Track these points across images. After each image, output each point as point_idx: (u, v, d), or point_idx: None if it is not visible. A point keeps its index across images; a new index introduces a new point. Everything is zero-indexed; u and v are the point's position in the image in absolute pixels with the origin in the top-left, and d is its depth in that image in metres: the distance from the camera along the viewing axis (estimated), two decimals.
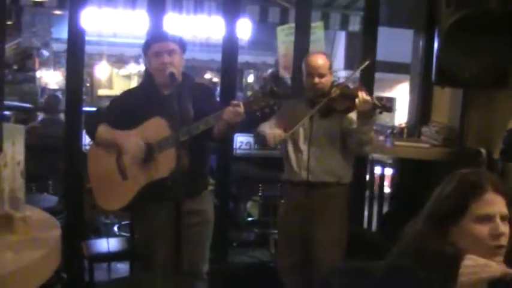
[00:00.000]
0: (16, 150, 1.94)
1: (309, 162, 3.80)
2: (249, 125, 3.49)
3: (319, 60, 3.81)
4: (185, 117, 3.26)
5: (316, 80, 3.78)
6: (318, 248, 3.85)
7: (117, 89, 14.32)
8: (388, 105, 3.57)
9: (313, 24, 5.84)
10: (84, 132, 4.60)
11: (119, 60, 14.16)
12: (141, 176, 3.32)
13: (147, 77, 3.64)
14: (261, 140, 3.85)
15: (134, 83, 14.46)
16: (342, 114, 3.76)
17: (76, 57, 4.74)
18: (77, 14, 4.66)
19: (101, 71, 14.09)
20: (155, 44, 3.43)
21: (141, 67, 14.13)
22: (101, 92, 13.94)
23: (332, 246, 3.84)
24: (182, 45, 3.49)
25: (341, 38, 12.21)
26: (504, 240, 1.88)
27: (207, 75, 14.96)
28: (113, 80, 14.64)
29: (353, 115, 3.71)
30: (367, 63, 3.91)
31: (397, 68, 9.68)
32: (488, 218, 1.85)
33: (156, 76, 3.45)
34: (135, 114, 3.40)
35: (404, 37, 6.48)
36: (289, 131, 3.70)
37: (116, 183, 3.38)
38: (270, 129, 3.79)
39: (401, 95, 12.22)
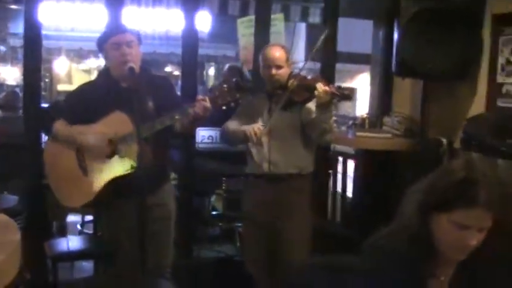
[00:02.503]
0: None
1: (270, 154, 3.82)
2: (212, 119, 3.47)
3: (276, 52, 3.82)
4: (146, 112, 3.22)
5: (274, 71, 3.78)
6: (283, 240, 3.87)
7: (77, 84, 14.05)
8: (346, 94, 3.59)
9: (273, 16, 5.82)
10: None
11: (78, 55, 13.95)
12: (103, 172, 3.27)
13: (104, 70, 3.59)
14: (239, 139, 3.84)
15: (93, 77, 14.25)
16: (300, 105, 3.76)
17: (33, 52, 4.65)
18: (34, 8, 4.57)
19: (60, 66, 13.86)
20: (113, 36, 3.38)
21: (101, 61, 13.94)
22: (61, 87, 13.70)
23: (297, 238, 3.86)
24: (139, 37, 3.45)
25: (301, 29, 12.21)
26: (466, 251, 1.89)
27: (168, 69, 14.86)
28: (72, 75, 14.41)
29: (311, 105, 3.73)
30: (324, 34, 3.86)
31: (358, 58, 9.73)
32: (465, 227, 1.85)
33: (114, 69, 3.41)
34: (94, 109, 3.34)
35: (364, 27, 6.51)
36: (265, 123, 3.72)
37: (77, 180, 3.33)
38: (245, 125, 3.80)
39: (362, 85, 12.30)
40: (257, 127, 3.72)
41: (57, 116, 3.39)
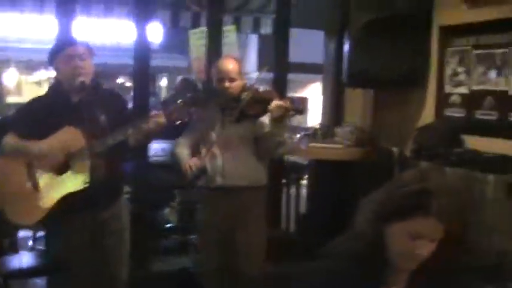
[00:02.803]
0: None
1: (223, 167, 3.82)
2: (166, 132, 3.46)
3: (229, 65, 3.82)
4: (98, 126, 3.18)
5: (227, 84, 3.78)
6: (237, 253, 3.87)
7: (27, 96, 13.79)
8: (300, 108, 3.63)
9: (225, 28, 5.84)
10: None
11: (28, 67, 13.74)
12: (55, 188, 3.21)
13: (55, 83, 3.51)
14: (178, 165, 3.91)
15: (45, 89, 14.01)
16: (254, 119, 3.78)
17: None
18: None
19: (9, 78, 13.63)
20: (65, 48, 3.33)
21: (52, 73, 13.74)
22: (10, 99, 13.47)
23: (251, 249, 3.87)
24: (91, 50, 3.40)
25: (253, 40, 12.28)
26: (417, 261, 1.92)
27: (120, 80, 14.73)
28: (22, 87, 14.17)
29: (264, 118, 3.74)
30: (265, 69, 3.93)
31: (309, 68, 9.81)
32: (417, 237, 1.88)
33: (65, 82, 3.33)
34: (45, 123, 3.26)
35: (315, 38, 6.57)
36: (204, 154, 3.80)
37: (28, 197, 3.24)
38: (186, 157, 3.90)
39: (313, 95, 12.41)
40: (193, 162, 3.82)
41: (7, 130, 3.31)
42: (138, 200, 4.97)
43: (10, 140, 3.28)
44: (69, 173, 3.20)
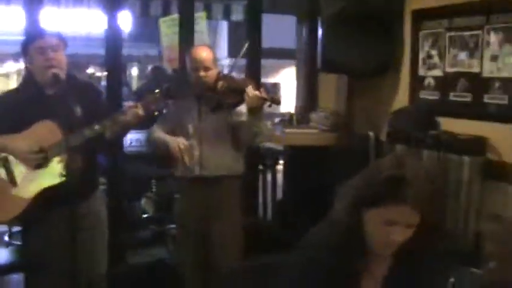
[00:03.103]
0: None
1: (200, 157, 3.79)
2: (142, 124, 3.43)
3: (203, 53, 3.78)
4: (73, 119, 3.12)
5: (202, 73, 3.73)
6: (215, 243, 3.86)
7: None
8: (276, 98, 3.61)
9: (195, 15, 5.79)
10: None
11: None
12: (32, 183, 3.16)
13: (28, 76, 3.42)
14: (163, 149, 3.80)
15: (13, 81, 13.89)
16: (230, 108, 3.75)
17: None
18: None
19: None
20: (37, 39, 3.25)
21: (21, 65, 13.55)
22: None
23: (229, 240, 3.86)
24: (64, 41, 3.34)
25: (223, 27, 12.24)
26: (393, 247, 1.93)
27: (90, 70, 14.59)
28: None
29: (241, 107, 3.71)
30: (246, 45, 3.88)
31: (281, 54, 9.81)
32: (393, 223, 1.89)
33: (38, 75, 3.27)
34: (19, 117, 3.20)
35: (286, 22, 6.56)
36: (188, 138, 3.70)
37: (5, 192, 3.19)
38: (170, 138, 3.77)
39: (285, 80, 12.42)
40: (181, 142, 3.71)
41: None
42: (115, 192, 4.93)
43: None
44: (45, 167, 3.15)
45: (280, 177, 6.10)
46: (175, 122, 3.87)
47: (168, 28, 6.95)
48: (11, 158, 3.19)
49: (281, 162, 6.22)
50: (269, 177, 6.18)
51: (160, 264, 5.21)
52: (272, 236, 5.15)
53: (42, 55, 3.21)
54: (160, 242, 5.89)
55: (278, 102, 3.63)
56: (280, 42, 8.80)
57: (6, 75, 14.15)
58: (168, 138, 3.79)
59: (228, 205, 3.89)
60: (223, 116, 3.78)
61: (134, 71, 15.10)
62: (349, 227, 1.96)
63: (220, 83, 3.70)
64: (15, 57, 13.24)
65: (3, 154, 3.19)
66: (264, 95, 3.54)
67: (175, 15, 6.86)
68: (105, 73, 12.65)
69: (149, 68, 6.79)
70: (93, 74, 14.35)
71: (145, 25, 11.57)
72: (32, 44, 3.27)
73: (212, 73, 3.77)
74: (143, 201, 6.44)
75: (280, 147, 5.85)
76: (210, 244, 3.87)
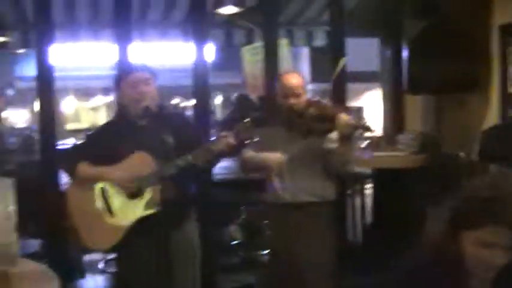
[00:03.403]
0: (6, 204, 1.88)
1: (291, 183, 3.74)
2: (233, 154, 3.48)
3: (294, 80, 3.74)
4: (166, 149, 3.21)
5: (292, 100, 3.70)
6: (304, 270, 3.76)
7: (85, 122, 14.21)
8: (368, 126, 3.52)
9: (278, 42, 5.84)
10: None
11: (85, 93, 14.03)
12: (128, 213, 3.26)
13: (121, 109, 3.53)
14: (257, 167, 3.81)
15: (102, 114, 14.33)
16: (321, 135, 3.69)
17: (47, 94, 4.69)
18: (45, 52, 4.63)
19: (67, 105, 13.95)
20: (130, 74, 3.38)
21: (109, 99, 14.01)
22: (70, 126, 13.76)
23: (319, 268, 3.76)
24: (154, 74, 3.45)
25: (304, 53, 12.27)
26: (494, 270, 1.88)
27: (175, 100, 14.89)
28: (79, 113, 14.48)
29: (333, 134, 3.67)
30: (342, 63, 3.81)
31: (363, 77, 9.76)
32: (491, 246, 1.84)
33: (130, 107, 3.37)
34: (113, 148, 3.32)
35: (366, 45, 6.53)
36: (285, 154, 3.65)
37: (102, 222, 3.30)
38: (263, 153, 3.74)
39: (368, 103, 12.30)
40: (276, 157, 3.67)
41: (80, 157, 3.38)
42: (204, 219, 4.99)
43: (84, 167, 3.34)
44: (141, 196, 3.25)
45: (368, 200, 6.03)
46: (264, 149, 3.85)
47: (251, 56, 7.02)
48: (108, 188, 3.30)
49: (369, 185, 6.16)
50: (357, 201, 6.11)
51: None
52: (362, 259, 5.08)
53: (135, 89, 3.31)
54: (249, 268, 5.89)
55: (369, 129, 3.55)
56: (361, 65, 8.74)
57: (96, 109, 14.61)
58: (263, 154, 3.75)
59: (319, 232, 3.80)
60: (313, 143, 3.71)
61: (218, 100, 15.30)
62: (446, 251, 1.92)
63: (310, 109, 3.66)
64: (103, 91, 13.69)
65: (103, 185, 3.31)
66: (355, 122, 3.50)
67: (258, 44, 6.94)
68: (190, 102, 12.92)
69: (233, 96, 6.85)
70: (178, 104, 14.63)
71: (227, 54, 11.73)
72: (125, 78, 3.39)
73: (302, 99, 3.73)
74: (232, 227, 6.48)
75: (367, 171, 5.79)
76: (301, 270, 3.81)
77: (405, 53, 4.56)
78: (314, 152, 3.72)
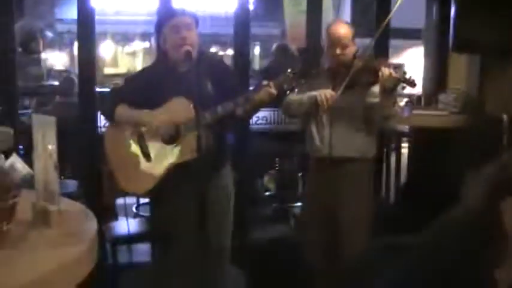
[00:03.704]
0: (47, 142, 1.88)
1: (331, 137, 3.71)
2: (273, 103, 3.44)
3: (342, 30, 3.68)
4: (206, 96, 3.20)
5: (339, 51, 3.64)
6: (342, 225, 3.77)
7: (123, 67, 14.25)
8: (412, 80, 3.46)
9: None
10: (99, 113, 4.59)
11: (124, 38, 14.03)
12: (165, 158, 3.26)
13: (162, 54, 3.52)
14: (305, 106, 3.72)
15: (139, 60, 14.35)
16: (364, 88, 3.66)
17: (87, 37, 4.67)
18: None
19: (106, 49, 13.97)
20: (172, 18, 3.33)
21: (146, 44, 14.01)
22: (107, 70, 13.80)
23: (357, 223, 3.75)
24: (197, 20, 3.41)
25: (346, 4, 12.09)
26: None
27: (213, 49, 14.85)
28: (117, 58, 14.51)
29: (375, 88, 3.62)
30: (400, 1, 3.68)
31: (405, 34, 9.58)
32: None
33: (172, 53, 3.34)
34: (153, 93, 3.31)
35: (410, 1, 6.37)
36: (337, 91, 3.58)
37: (139, 166, 3.32)
38: (312, 93, 3.67)
39: (409, 61, 12.12)
40: (328, 92, 3.60)
41: (118, 100, 3.38)
42: (240, 168, 4.99)
43: (123, 110, 3.34)
44: (179, 142, 3.24)
45: (404, 159, 5.97)
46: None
47: (293, 6, 6.96)
48: (145, 132, 3.30)
49: (405, 145, 6.10)
50: (393, 159, 6.05)
51: (282, 242, 5.26)
52: (395, 219, 5.05)
53: (177, 33, 3.27)
54: (282, 220, 5.92)
55: (413, 84, 3.50)
56: (404, 21, 8.57)
57: (133, 54, 14.61)
58: (308, 95, 3.69)
59: (357, 188, 3.78)
60: (356, 96, 3.67)
61: (256, 50, 15.20)
62: (485, 217, 1.87)
63: (355, 61, 3.61)
64: (141, 37, 13.67)
65: (139, 130, 3.31)
66: (398, 75, 3.44)
67: None
68: (228, 52, 12.86)
69: (273, 46, 6.76)
70: (217, 52, 14.57)
71: (266, 4, 11.61)
72: (167, 23, 3.35)
73: (349, 51, 3.68)
74: (266, 178, 6.49)
75: (405, 129, 5.72)
76: (337, 226, 3.79)
77: (453, 10, 4.44)
78: (356, 106, 3.68)
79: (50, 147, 1.84)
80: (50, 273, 1.55)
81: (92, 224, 1.94)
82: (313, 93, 3.66)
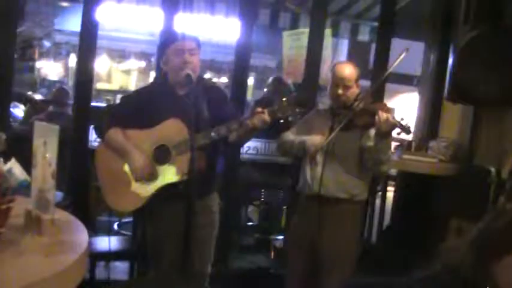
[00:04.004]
0: (48, 150, 1.88)
1: (322, 175, 3.67)
2: (265, 131, 3.46)
3: (346, 71, 3.67)
4: (201, 120, 3.22)
5: (340, 91, 3.64)
6: (324, 263, 3.73)
7: (116, 84, 14.30)
8: (407, 127, 3.47)
9: None
10: (92, 128, 4.59)
11: (120, 55, 14.07)
12: (155, 179, 3.27)
13: (161, 75, 3.56)
14: (295, 149, 3.75)
15: (133, 78, 14.39)
16: (361, 130, 3.64)
17: (88, 51, 4.69)
18: (92, 7, 4.62)
19: (101, 64, 13.99)
20: (177, 41, 3.37)
21: (142, 63, 14.05)
22: (100, 85, 13.81)
23: (339, 263, 3.70)
24: (199, 45, 3.45)
25: (343, 45, 12.21)
26: None
27: (207, 75, 14.91)
28: (111, 74, 14.53)
29: (371, 131, 3.61)
30: (403, 54, 3.70)
31: (398, 78, 9.68)
32: None
33: (172, 75, 3.39)
34: (149, 113, 3.34)
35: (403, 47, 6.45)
36: (326, 139, 3.57)
37: (129, 185, 3.32)
38: (306, 138, 3.70)
39: (400, 105, 12.23)
40: (317, 139, 3.62)
41: (113, 123, 3.39)
42: (226, 195, 4.99)
43: (114, 134, 3.36)
44: (169, 163, 3.25)
45: (389, 203, 5.99)
46: (306, 132, 3.79)
47: (294, 41, 7.00)
48: (129, 165, 3.32)
49: (391, 188, 6.13)
50: (377, 201, 6.07)
51: (262, 272, 5.26)
52: (375, 259, 5.05)
53: (180, 57, 3.32)
54: (263, 251, 5.90)
55: (408, 131, 3.51)
56: (398, 67, 8.67)
57: (127, 72, 14.64)
58: (305, 136, 3.72)
59: (344, 229, 3.73)
60: (352, 137, 3.65)
61: (250, 81, 15.30)
62: (471, 275, 1.86)
63: (356, 103, 3.59)
64: (138, 56, 13.73)
65: (125, 159, 3.33)
66: (395, 121, 3.43)
67: (300, 30, 6.92)
68: (222, 79, 12.89)
69: (270, 79, 6.83)
70: (210, 79, 14.64)
71: (264, 37, 11.70)
72: (171, 45, 3.38)
73: (351, 92, 3.66)
74: (250, 208, 6.49)
75: (392, 173, 5.75)
76: (319, 263, 3.73)
77: (451, 60, 4.51)
78: (352, 147, 3.65)
79: (49, 155, 1.85)
80: (41, 281, 1.54)
81: (84, 236, 1.94)
82: (303, 138, 3.70)
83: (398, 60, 3.54)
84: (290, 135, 3.83)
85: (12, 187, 1.88)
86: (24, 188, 1.96)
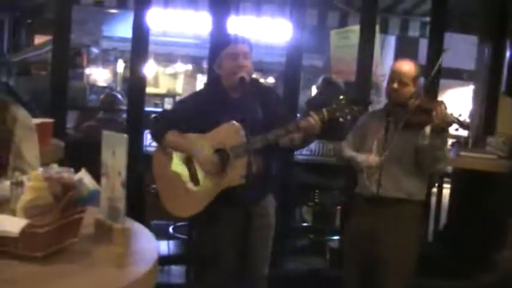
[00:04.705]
0: (117, 159, 1.89)
1: (380, 176, 3.64)
2: (325, 132, 3.42)
3: (404, 67, 3.60)
4: (256, 123, 3.20)
5: (395, 85, 3.58)
6: (382, 265, 3.68)
7: (163, 88, 14.41)
8: (466, 123, 3.39)
9: None
10: (147, 133, 4.63)
11: (167, 59, 14.16)
12: (214, 183, 3.27)
13: (215, 79, 3.55)
14: (351, 165, 3.77)
15: (180, 81, 14.49)
16: (418, 128, 3.57)
17: (140, 56, 4.74)
18: (143, 13, 4.67)
19: (148, 69, 14.11)
20: (231, 45, 3.38)
21: (188, 66, 14.13)
22: (148, 90, 13.92)
23: (399, 265, 3.65)
24: (252, 49, 3.44)
25: (390, 41, 12.06)
26: None
27: (253, 76, 14.93)
28: (159, 78, 14.66)
29: (427, 129, 3.53)
30: (444, 53, 3.63)
31: (449, 73, 9.54)
32: None
33: (226, 78, 3.39)
34: (204, 117, 3.33)
35: (453, 41, 6.35)
36: (381, 155, 3.57)
37: (187, 189, 3.33)
38: (359, 155, 3.71)
39: (450, 101, 12.06)
40: (373, 160, 3.60)
41: (169, 126, 3.39)
42: (281, 197, 4.97)
43: (172, 136, 3.35)
44: (228, 168, 3.24)
45: (445, 200, 5.89)
46: (362, 138, 3.79)
47: (341, 40, 6.95)
48: (196, 159, 3.31)
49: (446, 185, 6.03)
50: (433, 199, 5.96)
51: (317, 274, 5.22)
52: (432, 258, 4.96)
53: (234, 61, 3.32)
54: (317, 252, 5.86)
55: (466, 127, 3.43)
56: (448, 61, 8.54)
57: (174, 75, 14.75)
58: (359, 157, 3.70)
59: (402, 231, 3.67)
60: (409, 136, 3.57)
61: None
62: None
63: (412, 101, 3.54)
64: (184, 59, 13.80)
65: (190, 154, 3.33)
66: (453, 117, 3.36)
67: (348, 28, 6.86)
68: (269, 79, 12.87)
69: (320, 79, 6.77)
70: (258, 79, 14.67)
71: (311, 36, 11.64)
72: (226, 49, 3.39)
73: (408, 90, 3.59)
74: (304, 209, 6.46)
75: (448, 170, 5.64)
76: (377, 265, 3.69)
77: (508, 54, 4.40)
78: (409, 146, 3.59)
79: (121, 164, 1.86)
80: None
81: (153, 245, 1.94)
82: (359, 158, 3.68)
83: (438, 63, 3.49)
84: (347, 150, 3.83)
85: (84, 197, 1.89)
86: (94, 198, 1.97)
